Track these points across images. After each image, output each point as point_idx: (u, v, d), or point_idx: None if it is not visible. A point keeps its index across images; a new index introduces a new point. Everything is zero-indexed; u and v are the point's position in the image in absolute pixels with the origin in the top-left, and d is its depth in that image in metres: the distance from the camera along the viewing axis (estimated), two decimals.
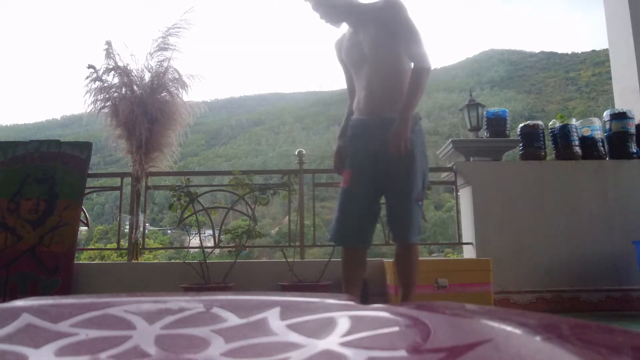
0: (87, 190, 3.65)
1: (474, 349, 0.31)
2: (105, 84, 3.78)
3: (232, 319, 0.42)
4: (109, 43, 3.84)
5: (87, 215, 3.68)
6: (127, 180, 3.73)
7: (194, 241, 3.68)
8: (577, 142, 3.61)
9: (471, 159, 3.66)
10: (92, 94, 3.75)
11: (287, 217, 3.64)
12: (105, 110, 3.74)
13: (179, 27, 3.91)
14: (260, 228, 3.45)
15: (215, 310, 0.44)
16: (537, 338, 0.32)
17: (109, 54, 3.80)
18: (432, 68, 2.12)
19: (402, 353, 0.33)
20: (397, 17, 2.04)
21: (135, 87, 3.78)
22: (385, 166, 2.04)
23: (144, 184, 3.67)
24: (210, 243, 3.74)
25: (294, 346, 0.35)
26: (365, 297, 2.98)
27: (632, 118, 3.68)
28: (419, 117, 2.13)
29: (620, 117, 3.68)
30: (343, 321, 0.40)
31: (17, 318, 0.41)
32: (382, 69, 2.09)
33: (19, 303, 0.45)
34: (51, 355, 0.34)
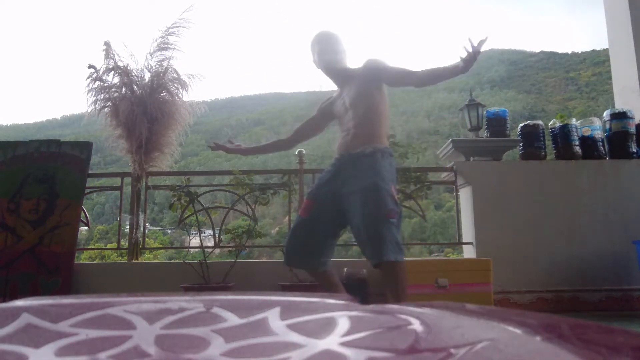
0: (87, 190, 3.65)
1: (474, 349, 0.31)
2: (105, 84, 3.78)
3: (232, 319, 0.42)
4: (107, 43, 3.84)
5: (87, 215, 3.68)
6: (127, 180, 3.73)
7: (194, 241, 3.69)
8: (577, 142, 3.61)
9: (471, 158, 3.66)
10: (93, 94, 3.76)
11: (287, 217, 3.64)
12: (106, 110, 3.74)
13: (178, 27, 3.91)
14: (260, 228, 3.45)
15: (215, 310, 0.44)
16: (537, 338, 0.32)
17: (108, 54, 3.80)
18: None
19: (402, 353, 0.33)
20: (376, 65, 2.29)
21: (135, 87, 3.78)
22: (347, 196, 2.08)
23: (144, 183, 3.67)
24: (211, 243, 3.74)
25: (294, 346, 0.35)
26: (365, 297, 2.98)
27: (632, 118, 3.68)
28: (391, 152, 2.24)
29: (620, 116, 3.68)
30: (343, 321, 0.40)
31: (17, 318, 0.41)
32: (358, 115, 2.24)
33: (19, 303, 0.45)
34: (51, 355, 0.34)
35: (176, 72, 3.85)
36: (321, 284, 2.31)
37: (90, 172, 3.66)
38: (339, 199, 2.11)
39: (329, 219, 2.17)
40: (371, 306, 0.45)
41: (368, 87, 2.28)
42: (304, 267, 2.29)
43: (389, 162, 2.15)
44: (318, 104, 2.57)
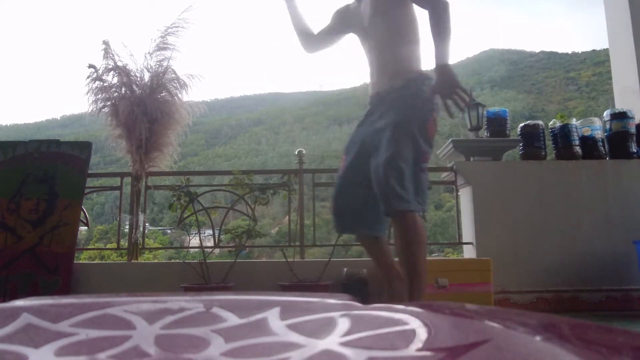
0: (87, 190, 3.65)
1: (474, 349, 0.31)
2: (105, 84, 3.78)
3: (232, 319, 0.42)
4: (106, 43, 3.83)
5: (87, 215, 3.68)
6: (127, 180, 3.73)
7: (194, 241, 3.68)
8: (577, 142, 3.61)
9: (471, 158, 3.66)
10: (93, 94, 3.76)
11: (287, 217, 3.64)
12: (105, 110, 3.74)
13: (177, 27, 3.91)
14: (260, 228, 3.44)
15: (215, 310, 0.44)
16: (537, 338, 0.32)
17: (107, 53, 3.80)
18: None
19: (402, 353, 0.33)
20: None
21: (134, 87, 3.78)
22: (376, 141, 1.82)
23: (143, 183, 3.67)
24: (210, 243, 3.74)
25: (294, 346, 0.35)
26: (365, 297, 2.98)
27: (632, 118, 3.68)
28: (428, 76, 1.89)
29: (621, 116, 3.67)
30: (343, 321, 0.40)
31: (17, 318, 0.41)
32: (380, 40, 1.97)
33: (19, 303, 0.45)
34: (51, 355, 0.34)
35: (175, 72, 3.85)
36: (373, 258, 1.98)
37: (90, 172, 3.65)
38: (370, 144, 1.85)
39: (365, 171, 1.85)
40: (371, 306, 0.45)
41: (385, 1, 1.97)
42: (354, 230, 1.99)
43: (424, 87, 1.85)
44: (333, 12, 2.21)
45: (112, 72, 3.79)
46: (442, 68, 1.76)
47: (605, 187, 3.46)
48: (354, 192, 1.90)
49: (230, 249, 3.50)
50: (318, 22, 2.27)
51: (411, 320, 0.39)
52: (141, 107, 3.65)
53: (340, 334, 0.37)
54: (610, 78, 4.54)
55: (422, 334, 0.36)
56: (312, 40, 2.24)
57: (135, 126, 3.60)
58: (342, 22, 2.19)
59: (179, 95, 3.84)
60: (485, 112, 3.77)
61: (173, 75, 3.84)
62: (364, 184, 1.85)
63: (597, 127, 3.71)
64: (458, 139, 3.72)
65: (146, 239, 4.08)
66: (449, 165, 3.69)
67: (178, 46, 3.88)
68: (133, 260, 3.53)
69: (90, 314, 0.42)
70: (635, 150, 3.62)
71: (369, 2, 2.00)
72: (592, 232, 3.37)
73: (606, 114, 3.79)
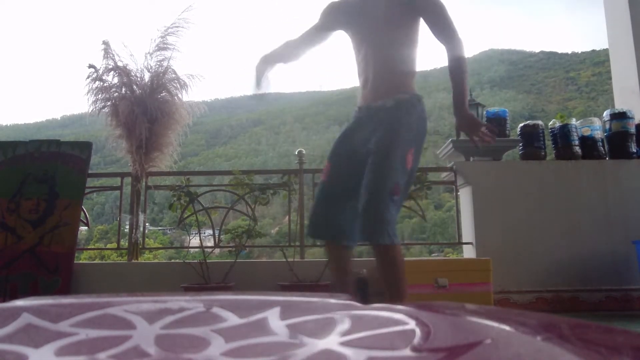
0: (87, 190, 3.65)
1: (474, 349, 0.31)
2: (105, 84, 3.78)
3: (232, 319, 0.42)
4: (106, 43, 3.84)
5: (87, 215, 3.68)
6: (127, 180, 3.73)
7: (194, 241, 3.69)
8: (577, 142, 3.61)
9: (471, 158, 3.66)
10: (93, 94, 3.76)
11: (287, 217, 3.64)
12: (105, 110, 3.74)
13: (177, 27, 3.91)
14: (260, 228, 3.45)
15: (215, 310, 0.44)
16: (537, 338, 0.32)
17: (107, 53, 3.80)
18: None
19: (402, 353, 0.33)
20: None
21: (135, 87, 3.78)
22: (363, 158, 1.81)
23: (144, 183, 3.67)
24: (210, 243, 3.74)
25: (294, 346, 0.35)
26: (365, 297, 2.98)
27: (632, 118, 3.68)
28: (419, 98, 1.91)
29: (620, 117, 3.67)
30: (343, 321, 0.40)
31: (17, 318, 0.41)
32: (379, 51, 1.90)
33: (19, 303, 0.45)
34: (51, 355, 0.34)
35: (175, 72, 3.86)
36: (337, 264, 1.95)
37: (90, 172, 3.65)
38: (356, 158, 1.83)
39: (347, 181, 1.86)
40: (371, 306, 0.45)
41: (396, 10, 1.89)
42: (327, 236, 1.93)
43: (416, 116, 1.85)
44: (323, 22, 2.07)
45: (112, 72, 3.80)
46: (464, 111, 1.83)
47: (605, 187, 3.46)
48: (336, 202, 1.88)
49: (230, 249, 3.50)
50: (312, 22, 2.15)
51: (411, 320, 0.39)
52: (141, 107, 3.65)
53: (340, 334, 0.37)
54: (610, 78, 4.54)
55: (422, 334, 0.36)
56: (296, 52, 2.16)
57: (135, 126, 3.60)
58: (337, 19, 2.06)
59: (179, 95, 3.84)
60: (485, 112, 3.78)
61: (173, 75, 3.84)
62: (347, 195, 1.86)
63: (597, 127, 3.71)
64: (458, 139, 3.72)
65: (146, 239, 4.08)
66: (449, 165, 3.69)
67: (178, 46, 3.88)
68: (133, 260, 3.53)
69: (91, 314, 0.42)
70: (634, 150, 3.62)
71: (380, 8, 1.91)
72: (592, 232, 3.37)
73: (606, 114, 3.79)
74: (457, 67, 1.85)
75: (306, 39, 2.12)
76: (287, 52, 2.15)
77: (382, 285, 1.86)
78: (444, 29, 1.88)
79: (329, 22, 2.09)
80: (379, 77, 1.90)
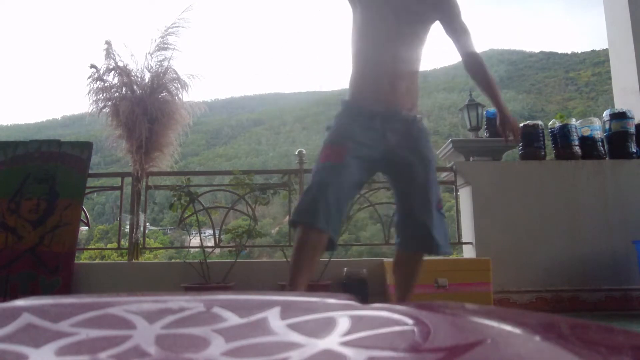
0: (87, 190, 3.65)
1: (474, 349, 0.32)
2: (106, 84, 3.79)
3: (233, 319, 0.42)
4: (108, 43, 3.84)
5: (88, 215, 3.68)
6: (128, 180, 3.73)
7: (195, 241, 3.69)
8: (576, 142, 3.61)
9: (471, 158, 3.66)
10: (93, 94, 3.76)
11: (287, 217, 3.64)
12: (106, 110, 3.75)
13: (177, 27, 3.91)
14: (260, 228, 3.45)
15: (216, 310, 0.44)
16: (537, 338, 0.32)
17: (108, 54, 3.80)
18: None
19: (402, 353, 0.33)
20: None
21: (135, 87, 3.78)
22: (405, 168, 1.77)
23: (144, 183, 3.67)
24: (211, 243, 3.74)
25: (294, 346, 0.35)
26: (365, 297, 2.98)
27: (631, 118, 3.68)
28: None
29: (620, 117, 3.68)
30: (343, 321, 0.40)
31: (17, 318, 0.41)
32: (414, 50, 1.79)
33: (19, 303, 0.45)
34: (51, 355, 0.34)
35: (176, 72, 3.86)
36: (312, 254, 1.65)
37: (90, 172, 3.66)
38: (392, 160, 1.75)
39: (357, 174, 1.70)
40: (371, 306, 0.45)
41: (431, 16, 1.81)
42: (324, 225, 1.61)
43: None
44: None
45: (112, 72, 3.80)
46: (506, 109, 1.94)
47: (604, 187, 3.46)
48: (344, 191, 1.69)
49: (230, 248, 3.51)
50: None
51: (411, 320, 0.39)
52: (142, 107, 3.65)
53: (340, 334, 0.37)
54: (610, 78, 4.54)
55: (422, 334, 0.36)
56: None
57: (135, 126, 3.61)
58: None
59: (180, 96, 3.85)
60: (484, 112, 3.78)
61: (174, 75, 3.84)
62: (354, 187, 1.75)
63: (597, 127, 3.71)
64: (458, 139, 3.72)
65: (147, 239, 4.08)
66: (449, 165, 3.69)
67: (178, 46, 3.89)
68: (133, 260, 3.53)
69: (91, 314, 0.42)
70: (634, 150, 3.62)
71: (419, 6, 1.79)
72: (591, 232, 3.38)
73: (606, 114, 3.79)
74: (480, 60, 1.85)
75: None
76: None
77: (401, 290, 1.87)
78: (461, 23, 1.85)
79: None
80: (408, 83, 1.78)
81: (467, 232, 3.56)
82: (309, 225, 1.62)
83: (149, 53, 3.84)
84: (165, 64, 3.84)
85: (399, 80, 1.76)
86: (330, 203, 1.62)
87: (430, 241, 1.73)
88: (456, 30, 1.84)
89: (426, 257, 1.88)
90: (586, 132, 3.69)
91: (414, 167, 1.76)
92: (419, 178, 1.77)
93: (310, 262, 1.64)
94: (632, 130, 3.65)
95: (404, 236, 1.82)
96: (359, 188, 1.90)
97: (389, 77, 1.76)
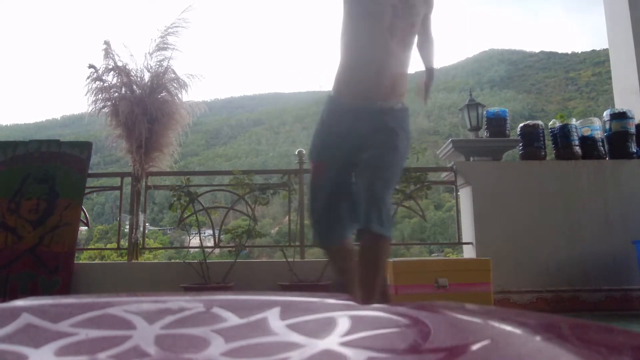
0: (87, 190, 3.65)
1: (474, 349, 0.31)
2: (105, 84, 3.78)
3: (232, 319, 0.42)
4: (107, 43, 3.84)
5: (87, 215, 3.68)
6: (127, 180, 3.73)
7: (194, 241, 3.68)
8: (577, 142, 3.61)
9: (471, 158, 3.66)
10: (93, 94, 3.76)
11: (287, 217, 3.64)
12: (106, 110, 3.74)
13: (177, 27, 3.91)
14: (260, 228, 3.45)
15: (215, 310, 0.44)
16: (537, 338, 0.32)
17: (107, 53, 3.80)
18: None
19: (402, 353, 0.33)
20: None
21: (135, 87, 3.78)
22: (364, 150, 1.73)
23: (144, 183, 3.67)
24: (210, 243, 3.74)
25: (294, 346, 0.35)
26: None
27: (632, 118, 3.68)
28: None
29: (620, 117, 3.67)
30: (343, 321, 0.40)
31: (17, 318, 0.41)
32: (400, 47, 1.78)
33: (19, 303, 0.45)
34: (51, 355, 0.34)
35: (175, 72, 3.86)
36: (337, 258, 1.87)
37: (90, 172, 3.65)
38: (353, 157, 1.75)
39: (344, 180, 1.79)
40: (371, 306, 0.45)
41: (421, 11, 1.84)
42: (335, 241, 1.82)
43: (407, 123, 1.83)
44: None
45: (112, 72, 3.80)
46: (432, 71, 1.97)
47: (605, 187, 3.46)
48: (338, 204, 1.80)
49: (230, 249, 3.50)
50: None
51: (411, 320, 0.39)
52: (141, 107, 3.65)
53: (340, 334, 0.37)
54: (610, 78, 4.54)
55: (422, 334, 0.36)
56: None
57: (135, 126, 3.60)
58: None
59: (179, 95, 3.84)
60: (485, 112, 3.77)
61: (173, 75, 3.84)
62: (345, 195, 1.81)
63: (597, 127, 3.71)
64: (458, 139, 3.72)
65: (146, 239, 4.08)
66: (449, 165, 3.69)
67: (178, 46, 3.88)
68: (133, 260, 3.53)
69: (90, 314, 0.42)
70: (634, 150, 3.62)
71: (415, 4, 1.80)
72: (592, 232, 3.37)
73: (606, 114, 3.79)
74: (433, 50, 1.97)
75: None
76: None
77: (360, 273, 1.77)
78: (430, 29, 1.95)
79: None
80: (392, 74, 1.77)
81: (467, 232, 3.56)
82: (329, 246, 1.84)
83: (149, 53, 3.85)
84: (165, 63, 3.84)
85: (384, 74, 1.76)
86: (330, 222, 1.78)
87: (368, 218, 1.66)
88: (427, 32, 1.93)
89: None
90: (586, 132, 3.69)
91: (373, 152, 1.73)
92: (373, 162, 1.72)
93: (346, 267, 1.82)
94: (632, 130, 3.65)
95: (362, 215, 1.76)
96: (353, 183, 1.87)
97: (373, 71, 1.76)
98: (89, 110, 3.76)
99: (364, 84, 1.77)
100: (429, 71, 1.97)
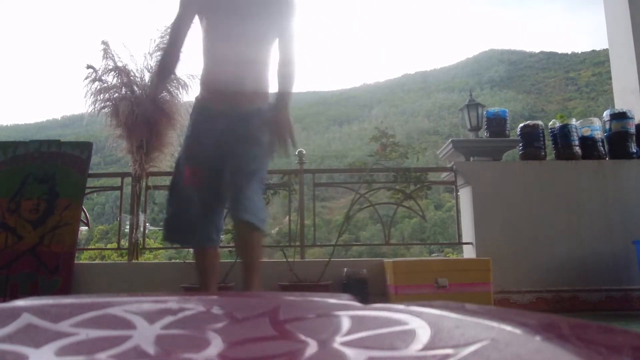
0: (87, 190, 3.65)
1: (474, 349, 0.32)
2: (105, 85, 3.78)
3: (232, 319, 0.42)
4: (105, 43, 3.84)
5: (88, 215, 3.68)
6: (128, 180, 3.73)
7: None
8: (577, 142, 3.61)
9: (471, 159, 3.66)
10: (92, 95, 3.76)
11: (287, 217, 3.64)
12: (106, 110, 3.75)
13: None
14: None
15: (215, 310, 0.44)
16: (537, 338, 0.32)
17: (106, 54, 3.80)
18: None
19: (402, 353, 0.33)
20: (292, 4, 1.90)
21: (135, 87, 3.78)
22: (230, 149, 1.84)
23: (144, 183, 3.67)
24: None
25: (294, 346, 0.35)
26: (365, 297, 2.98)
27: (632, 118, 3.68)
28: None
29: (620, 117, 3.68)
30: (343, 321, 0.40)
31: (17, 318, 0.41)
32: (256, 47, 1.87)
33: (19, 303, 0.45)
34: (51, 355, 0.34)
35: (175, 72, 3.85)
36: (201, 264, 2.02)
37: (90, 172, 3.66)
38: (222, 160, 1.84)
39: (216, 183, 1.89)
40: (371, 306, 0.45)
41: (272, 19, 1.87)
42: (193, 242, 1.98)
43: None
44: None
45: (112, 72, 3.80)
46: (284, 105, 1.89)
47: (604, 187, 3.46)
48: (208, 207, 1.93)
49: (230, 249, 3.50)
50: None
51: (411, 320, 0.39)
52: (141, 107, 3.64)
53: (340, 334, 0.37)
54: (610, 78, 4.54)
55: (422, 334, 0.36)
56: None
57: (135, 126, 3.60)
58: (202, 5, 1.92)
59: (179, 96, 3.84)
60: (484, 113, 3.78)
61: (173, 76, 3.84)
62: (215, 197, 1.92)
63: (597, 127, 3.71)
64: (458, 139, 3.72)
65: (147, 239, 4.08)
66: (449, 165, 3.70)
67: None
68: (133, 260, 3.53)
69: (91, 314, 0.42)
70: (634, 151, 3.62)
71: (255, 4, 1.87)
72: (591, 232, 3.38)
73: (606, 114, 3.79)
74: (293, 72, 1.92)
75: (184, 38, 1.98)
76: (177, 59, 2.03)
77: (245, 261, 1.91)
78: (293, 36, 1.93)
79: (191, 11, 1.95)
80: (245, 77, 1.86)
81: (467, 232, 3.56)
82: (195, 247, 1.99)
83: (149, 53, 3.85)
84: None
85: (240, 77, 1.85)
86: (192, 222, 1.89)
87: (239, 207, 1.75)
88: (288, 39, 1.92)
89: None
90: (586, 132, 3.69)
91: (237, 148, 1.84)
92: (239, 154, 1.83)
93: (207, 270, 2.01)
94: (632, 130, 3.65)
95: (229, 208, 1.89)
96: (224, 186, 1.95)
97: (230, 75, 1.86)
98: (89, 111, 3.76)
99: (226, 90, 1.87)
100: (282, 96, 1.91)
